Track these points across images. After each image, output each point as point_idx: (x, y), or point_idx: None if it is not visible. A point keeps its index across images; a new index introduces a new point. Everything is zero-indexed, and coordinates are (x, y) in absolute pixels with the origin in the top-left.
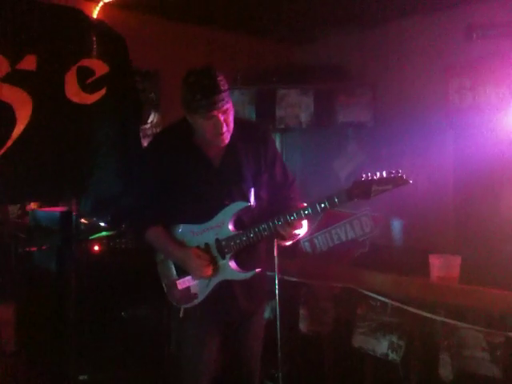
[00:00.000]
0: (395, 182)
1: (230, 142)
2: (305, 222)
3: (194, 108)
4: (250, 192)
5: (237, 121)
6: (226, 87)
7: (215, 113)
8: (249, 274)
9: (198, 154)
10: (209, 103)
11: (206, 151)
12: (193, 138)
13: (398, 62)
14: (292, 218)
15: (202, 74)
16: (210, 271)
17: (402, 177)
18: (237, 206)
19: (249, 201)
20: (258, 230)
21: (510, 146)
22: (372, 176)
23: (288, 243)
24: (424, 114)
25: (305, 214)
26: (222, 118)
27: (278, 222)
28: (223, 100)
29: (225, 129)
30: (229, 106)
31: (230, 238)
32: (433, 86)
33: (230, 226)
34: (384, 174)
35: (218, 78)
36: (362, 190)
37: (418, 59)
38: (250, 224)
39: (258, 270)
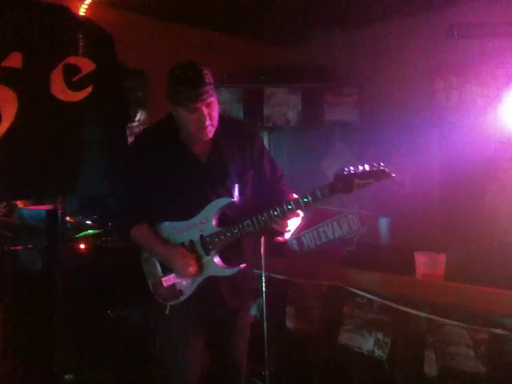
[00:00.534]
0: (377, 175)
1: (215, 138)
2: (296, 218)
3: (177, 100)
4: (234, 188)
5: (223, 118)
6: (210, 81)
7: (199, 105)
8: (233, 270)
9: (184, 150)
10: (193, 95)
11: (192, 148)
12: (178, 134)
13: (385, 62)
14: (276, 213)
15: (187, 67)
16: (194, 270)
17: (383, 170)
18: (220, 202)
19: (232, 197)
20: (242, 225)
21: (496, 144)
22: (354, 170)
23: (282, 238)
24: (410, 114)
25: (288, 209)
26: (205, 111)
27: (262, 217)
28: (207, 93)
29: (208, 122)
30: (213, 99)
31: (214, 235)
32: (419, 85)
33: (214, 222)
34: (366, 167)
35: (203, 72)
36: (344, 184)
37: (404, 59)
38: (234, 220)
39: (242, 265)
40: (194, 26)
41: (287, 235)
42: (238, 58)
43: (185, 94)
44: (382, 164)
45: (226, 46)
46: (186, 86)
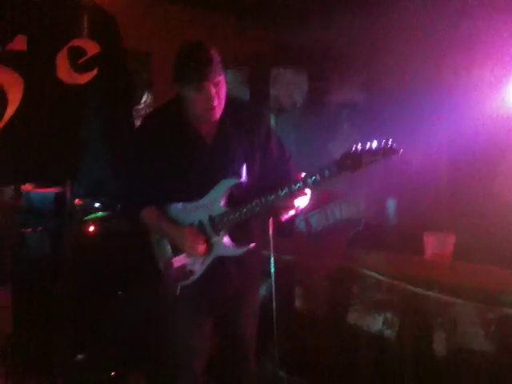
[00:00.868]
0: (385, 151)
1: (221, 119)
2: (304, 196)
3: (185, 79)
4: (242, 169)
5: (229, 100)
6: (218, 60)
7: (207, 84)
8: (243, 250)
9: (189, 131)
10: (200, 74)
11: (197, 129)
12: (184, 116)
13: (392, 42)
14: (284, 192)
15: (195, 46)
16: (203, 249)
17: (391, 147)
18: (228, 183)
19: (240, 177)
20: (251, 205)
21: (505, 123)
22: (362, 147)
23: (288, 216)
24: (418, 94)
25: (296, 188)
26: (213, 90)
27: (270, 197)
28: (215, 72)
29: (216, 102)
30: (221, 78)
31: (222, 215)
32: (427, 65)
33: (223, 203)
34: (374, 144)
35: (211, 51)
36: (352, 161)
37: (411, 38)
38: (242, 200)
39: (251, 245)
40: (199, 7)
41: (292, 213)
42: (243, 40)
43: (193, 73)
44: (389, 140)
45: (231, 27)
46: (194, 64)
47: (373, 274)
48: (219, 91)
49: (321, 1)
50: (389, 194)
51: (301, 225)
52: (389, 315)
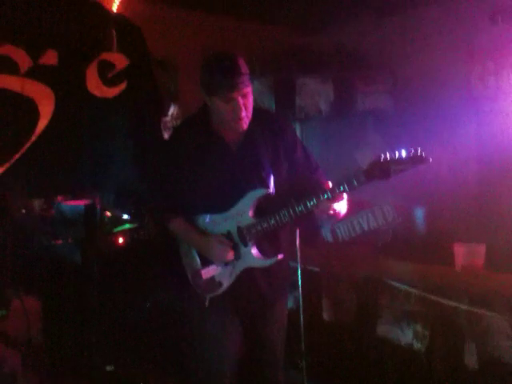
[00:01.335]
0: (414, 160)
1: (248, 129)
2: (344, 196)
3: (213, 89)
4: (270, 179)
5: (256, 110)
6: (246, 71)
7: (235, 95)
8: (271, 261)
9: (217, 141)
10: (229, 84)
11: (225, 139)
12: (211, 125)
13: (419, 48)
14: (311, 203)
15: (223, 56)
16: (231, 255)
17: (421, 155)
18: (257, 193)
19: (268, 187)
20: (279, 216)
21: None
22: (390, 156)
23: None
24: (446, 101)
25: (324, 198)
26: (241, 101)
27: (299, 207)
28: (243, 83)
29: (244, 113)
30: (249, 89)
31: (251, 226)
32: (455, 71)
33: (251, 213)
34: (403, 153)
35: (239, 61)
36: (381, 170)
37: (438, 45)
38: (270, 211)
39: (280, 256)
40: (223, 15)
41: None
42: (268, 48)
43: (221, 84)
44: (418, 149)
45: (256, 34)
46: (223, 75)
47: (402, 285)
48: (247, 102)
49: (346, 8)
50: (417, 203)
51: (327, 235)
52: (419, 328)
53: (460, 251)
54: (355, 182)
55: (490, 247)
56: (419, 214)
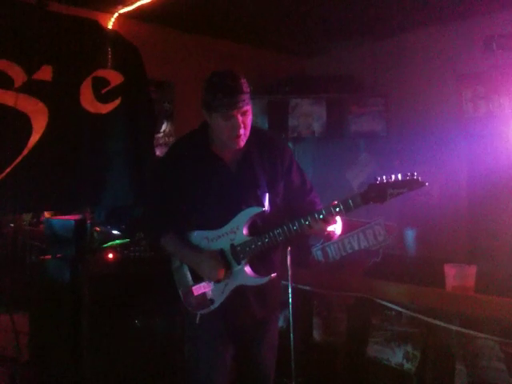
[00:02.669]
0: (411, 184)
1: (246, 148)
2: (338, 219)
3: (214, 106)
4: (265, 197)
5: (254, 129)
6: (247, 89)
7: (235, 113)
8: (264, 279)
9: (214, 159)
10: (230, 102)
11: (222, 157)
12: (209, 144)
13: (411, 72)
14: (307, 222)
15: (225, 74)
16: (222, 274)
17: (417, 179)
18: (252, 211)
19: (263, 206)
20: (273, 234)
21: None
22: (387, 179)
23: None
24: (437, 124)
25: (319, 217)
26: (240, 119)
27: (293, 226)
28: (244, 101)
29: (242, 131)
30: (248, 108)
31: (245, 244)
32: (446, 95)
33: (245, 231)
34: (399, 176)
35: (241, 80)
36: (377, 193)
37: (430, 69)
38: (264, 229)
39: (273, 274)
40: (219, 38)
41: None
42: (262, 70)
43: (222, 101)
44: (415, 173)
45: (250, 57)
46: (224, 93)
47: (392, 305)
48: (246, 120)
49: (340, 31)
50: (408, 223)
51: (318, 254)
52: (409, 348)
53: (451, 272)
54: (351, 204)
55: (480, 268)
56: (410, 234)
